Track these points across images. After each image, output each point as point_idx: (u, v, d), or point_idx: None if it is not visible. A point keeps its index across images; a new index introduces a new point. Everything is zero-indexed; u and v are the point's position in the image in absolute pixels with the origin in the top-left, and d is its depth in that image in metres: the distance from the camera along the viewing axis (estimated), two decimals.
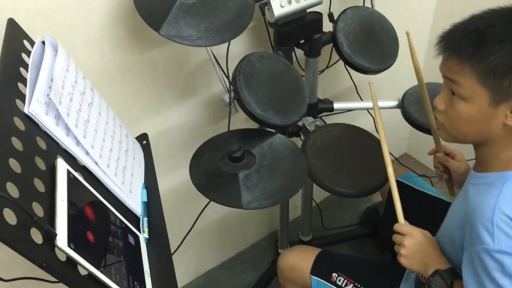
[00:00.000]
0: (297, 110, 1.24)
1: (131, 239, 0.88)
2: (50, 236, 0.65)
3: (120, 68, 1.24)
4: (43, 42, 0.89)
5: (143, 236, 0.93)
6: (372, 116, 1.71)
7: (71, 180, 0.77)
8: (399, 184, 1.15)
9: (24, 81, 0.81)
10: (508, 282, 0.80)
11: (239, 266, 1.96)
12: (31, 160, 0.72)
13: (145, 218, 0.97)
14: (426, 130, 1.38)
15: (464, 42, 0.83)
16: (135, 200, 0.98)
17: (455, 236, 0.95)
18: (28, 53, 0.86)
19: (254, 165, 1.09)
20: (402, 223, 1.02)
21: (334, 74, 1.64)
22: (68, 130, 0.84)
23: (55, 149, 0.81)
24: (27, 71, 0.82)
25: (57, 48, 0.90)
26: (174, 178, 1.51)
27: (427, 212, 1.17)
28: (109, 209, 0.86)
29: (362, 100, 1.67)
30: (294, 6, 1.26)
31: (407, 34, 1.16)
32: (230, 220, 1.85)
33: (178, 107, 1.41)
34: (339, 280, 1.22)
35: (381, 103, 1.46)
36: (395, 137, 1.89)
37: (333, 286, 1.23)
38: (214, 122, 1.52)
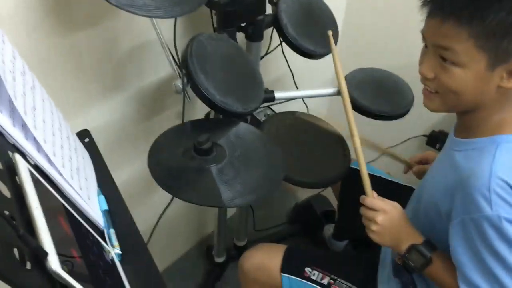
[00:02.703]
0: (256, 96, 1.11)
1: (107, 256, 0.68)
2: (38, 257, 0.45)
3: (39, 53, 1.00)
4: None
5: (114, 252, 0.73)
6: (306, 105, 1.65)
7: (35, 182, 0.57)
8: (353, 170, 1.08)
9: None
10: (505, 248, 0.77)
11: (169, 284, 1.76)
12: None
13: (112, 230, 0.77)
14: (372, 114, 1.34)
15: (459, 4, 0.77)
16: (95, 208, 0.77)
17: (441, 205, 0.90)
18: None
19: (226, 157, 0.94)
20: (371, 197, 0.96)
21: (271, 61, 1.55)
22: (14, 118, 0.62)
23: (3, 143, 0.59)
24: None
25: None
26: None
27: (386, 196, 1.10)
28: (78, 220, 0.66)
29: (297, 88, 1.60)
30: None
31: (329, 34, 1.11)
32: (155, 231, 1.64)
33: (107, 100, 1.20)
34: (314, 275, 1.14)
35: (320, 91, 1.40)
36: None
37: (307, 282, 1.14)
38: (147, 117, 1.33)
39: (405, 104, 1.33)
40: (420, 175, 1.21)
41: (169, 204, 1.23)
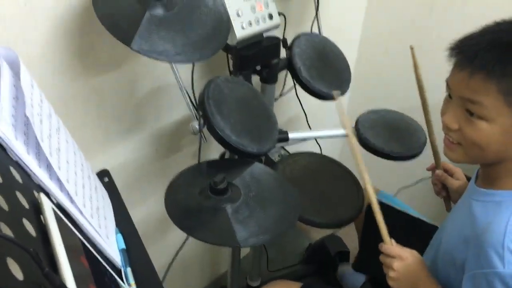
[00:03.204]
0: (270, 137, 1.14)
1: None
2: None
3: (63, 95, 1.05)
4: None
5: None
6: (319, 145, 1.67)
7: (58, 221, 0.59)
8: (379, 203, 1.09)
9: None
10: None
11: None
12: (13, 195, 0.53)
13: (129, 268, 0.78)
14: (386, 155, 1.36)
15: (491, 57, 0.76)
16: (113, 247, 0.79)
17: (456, 255, 0.90)
18: None
19: (241, 197, 0.96)
20: (389, 244, 0.95)
21: (284, 103, 1.58)
22: (39, 159, 0.65)
23: (28, 183, 0.62)
24: None
25: (15, 61, 0.71)
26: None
27: (409, 233, 1.12)
28: (97, 258, 0.67)
29: (311, 129, 1.63)
30: (255, 28, 1.19)
31: (411, 48, 1.09)
32: (170, 271, 1.65)
33: (126, 140, 1.24)
34: None
35: (333, 132, 1.43)
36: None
37: None
38: (164, 156, 1.36)
39: (418, 144, 1.34)
40: (437, 181, 1.20)
41: (184, 243, 1.24)
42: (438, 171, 1.19)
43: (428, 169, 1.24)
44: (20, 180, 0.58)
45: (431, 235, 1.10)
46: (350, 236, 1.65)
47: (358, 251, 1.50)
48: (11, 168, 0.58)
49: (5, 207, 0.48)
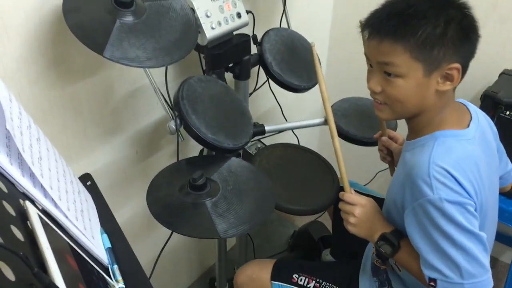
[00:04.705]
0: (245, 131, 1.18)
1: None
2: None
3: (41, 105, 1.08)
4: None
5: (118, 287, 0.79)
6: (297, 137, 1.72)
7: (44, 225, 0.63)
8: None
9: None
10: (453, 228, 0.86)
11: None
12: (0, 204, 0.57)
13: (115, 266, 0.83)
14: (359, 141, 1.42)
15: (392, 24, 0.89)
16: (99, 246, 0.83)
17: (397, 199, 1.00)
18: None
19: (219, 191, 1.01)
20: (349, 193, 1.05)
21: (259, 97, 1.63)
22: (22, 169, 0.69)
23: (13, 191, 0.66)
24: None
25: None
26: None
27: None
28: (83, 257, 0.72)
29: (287, 121, 1.68)
30: (224, 28, 1.23)
31: (312, 45, 1.12)
32: (159, 267, 1.69)
33: (106, 144, 1.27)
34: (301, 280, 1.24)
35: (308, 122, 1.48)
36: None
37: (295, 287, 1.23)
38: (144, 157, 1.40)
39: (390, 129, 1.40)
40: (383, 148, 1.29)
41: (169, 238, 1.28)
42: (383, 138, 1.27)
43: (375, 137, 1.32)
44: (5, 190, 0.62)
45: None
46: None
47: (332, 240, 1.57)
48: None
49: None
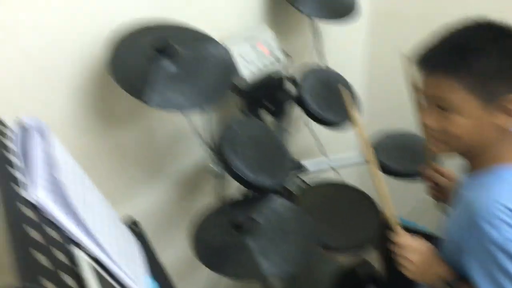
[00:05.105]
0: (285, 169, 1.19)
1: None
2: None
3: (88, 152, 1.13)
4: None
5: None
6: (336, 171, 1.71)
7: (96, 276, 0.65)
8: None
9: (10, 164, 0.69)
10: None
11: None
12: (52, 252, 0.59)
13: None
14: (403, 175, 1.40)
15: (446, 58, 0.88)
16: None
17: (457, 239, 0.94)
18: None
19: (262, 231, 1.01)
20: (400, 234, 1.01)
21: (297, 133, 1.64)
22: (75, 218, 0.72)
23: (64, 239, 0.68)
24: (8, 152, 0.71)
25: (43, 129, 0.79)
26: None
27: None
28: None
29: (327, 156, 1.67)
30: (263, 72, 1.26)
31: (342, 90, 1.14)
32: None
33: (153, 186, 1.31)
34: None
35: (348, 161, 1.47)
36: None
37: None
38: (187, 199, 1.42)
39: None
40: (429, 180, 1.23)
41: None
42: (429, 172, 1.21)
43: (419, 170, 1.25)
44: (58, 238, 0.64)
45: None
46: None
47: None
48: (45, 227, 0.64)
49: (46, 263, 0.54)
